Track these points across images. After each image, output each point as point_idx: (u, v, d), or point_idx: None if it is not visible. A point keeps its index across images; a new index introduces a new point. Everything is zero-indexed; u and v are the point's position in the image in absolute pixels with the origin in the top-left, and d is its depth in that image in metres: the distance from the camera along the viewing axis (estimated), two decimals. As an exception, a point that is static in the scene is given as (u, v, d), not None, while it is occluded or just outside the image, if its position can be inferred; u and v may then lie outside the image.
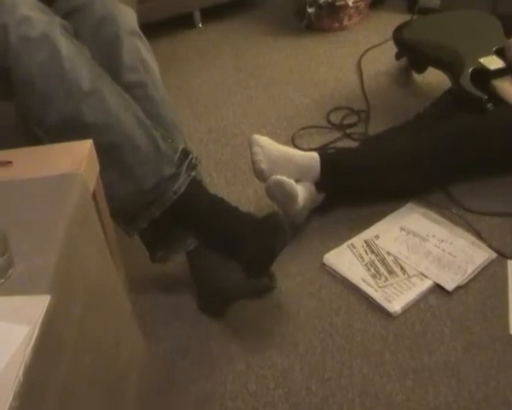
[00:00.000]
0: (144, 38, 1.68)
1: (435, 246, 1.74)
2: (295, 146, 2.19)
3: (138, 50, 1.63)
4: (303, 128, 2.31)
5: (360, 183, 1.88)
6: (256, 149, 1.76)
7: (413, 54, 2.43)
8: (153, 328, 1.60)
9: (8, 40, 1.42)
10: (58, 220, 1.03)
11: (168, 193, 1.52)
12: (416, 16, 2.71)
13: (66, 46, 1.44)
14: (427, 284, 1.65)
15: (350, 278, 1.69)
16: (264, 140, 1.78)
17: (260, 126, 2.35)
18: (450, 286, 1.63)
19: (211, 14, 3.19)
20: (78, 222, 1.06)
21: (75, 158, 1.21)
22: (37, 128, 1.46)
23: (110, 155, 1.45)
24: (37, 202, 1.08)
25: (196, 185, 1.58)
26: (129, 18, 1.65)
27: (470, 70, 2.03)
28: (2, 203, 1.00)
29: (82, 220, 1.09)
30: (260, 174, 1.77)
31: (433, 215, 1.84)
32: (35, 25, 1.43)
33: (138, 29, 1.67)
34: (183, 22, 3.14)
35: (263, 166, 1.75)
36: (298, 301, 1.66)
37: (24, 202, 1.09)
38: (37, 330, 0.84)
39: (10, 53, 1.42)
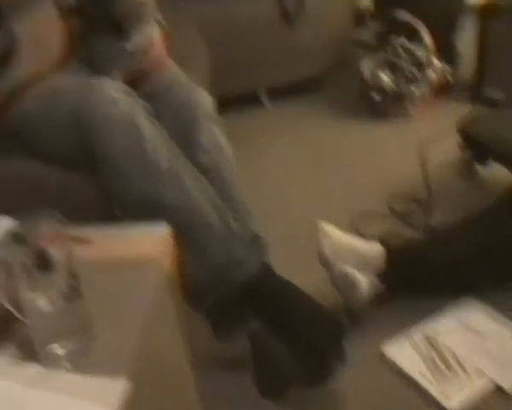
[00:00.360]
0: (219, 121, 1.75)
1: (495, 344, 1.74)
2: (355, 231, 2.21)
3: (214, 134, 1.70)
4: (364, 213, 2.33)
5: (425, 277, 1.89)
6: (323, 238, 1.80)
7: (477, 147, 2.45)
8: (212, 407, 1.62)
9: (93, 119, 1.50)
10: (137, 302, 1.07)
11: (238, 275, 1.56)
12: (480, 107, 2.75)
13: (148, 128, 1.51)
14: (486, 382, 1.64)
15: (408, 371, 1.69)
16: (330, 229, 1.83)
17: (322, 209, 2.38)
18: (509, 386, 1.62)
19: (278, 94, 3.26)
20: (156, 304, 1.10)
21: (152, 240, 1.25)
22: (115, 204, 1.53)
23: (184, 235, 1.50)
24: (115, 286, 1.13)
25: (265, 268, 1.62)
26: (207, 103, 1.73)
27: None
28: (82, 282, 1.05)
29: (159, 302, 1.13)
30: (325, 262, 1.81)
31: (494, 313, 1.84)
32: (120, 106, 1.51)
33: (215, 113, 1.74)
34: (250, 100, 3.22)
35: (328, 253, 1.79)
36: (355, 389, 1.66)
37: (104, 283, 1.13)
38: (116, 413, 0.88)
39: (95, 132, 1.50)
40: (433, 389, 1.63)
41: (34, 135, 1.63)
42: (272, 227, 2.29)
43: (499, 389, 1.62)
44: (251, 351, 1.69)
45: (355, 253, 1.81)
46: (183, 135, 1.65)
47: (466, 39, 3.16)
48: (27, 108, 1.63)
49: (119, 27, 1.80)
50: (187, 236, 1.52)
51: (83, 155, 1.55)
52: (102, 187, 1.56)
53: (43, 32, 1.64)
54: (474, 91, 3.04)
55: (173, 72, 1.79)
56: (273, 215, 2.39)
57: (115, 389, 0.91)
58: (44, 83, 1.64)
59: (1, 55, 1.61)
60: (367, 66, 3.11)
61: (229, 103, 3.07)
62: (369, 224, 2.28)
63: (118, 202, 1.53)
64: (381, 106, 3.05)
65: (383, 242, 1.91)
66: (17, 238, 0.94)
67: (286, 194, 2.53)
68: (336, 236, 1.82)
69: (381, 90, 3.02)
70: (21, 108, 1.63)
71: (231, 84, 3.04)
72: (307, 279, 2.00)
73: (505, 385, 1.62)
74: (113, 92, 1.53)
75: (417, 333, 1.79)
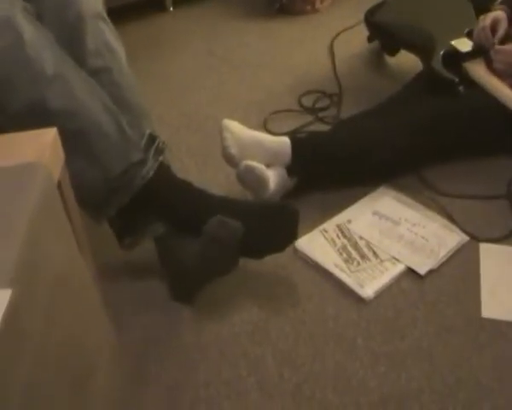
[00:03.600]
0: (109, 21, 1.64)
1: (407, 230, 1.74)
2: (267, 130, 2.17)
3: (103, 34, 1.59)
4: (275, 112, 2.29)
5: (332, 167, 1.86)
6: (226, 135, 1.75)
7: (385, 36, 2.42)
8: (123, 317, 1.57)
9: None
10: (20, 211, 1.00)
11: (136, 179, 1.50)
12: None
13: (28, 30, 1.40)
14: (400, 268, 1.65)
15: (322, 264, 1.68)
16: (234, 125, 1.77)
17: (232, 110, 2.33)
18: (422, 270, 1.63)
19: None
20: (42, 212, 1.04)
21: (39, 146, 1.17)
22: (0, 116, 1.43)
23: (76, 142, 1.42)
24: (-1, 192, 1.06)
25: (164, 170, 1.56)
26: (92, 0, 1.61)
27: (442, 53, 2.02)
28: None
29: (46, 210, 1.06)
30: (230, 160, 1.76)
31: (406, 199, 1.84)
32: None
33: (103, 12, 1.63)
34: (154, 6, 3.10)
35: (233, 151, 1.74)
36: (270, 288, 1.65)
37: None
38: (-2, 325, 0.82)
39: None
40: (348, 279, 1.62)
41: None
42: (179, 132, 2.25)
43: (413, 273, 1.64)
44: (159, 255, 1.65)
45: (261, 147, 1.76)
46: (69, 36, 1.53)
47: None
48: None
49: None
50: (79, 144, 1.43)
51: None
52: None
53: None
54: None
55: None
56: (180, 121, 2.33)
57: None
58: None
59: None
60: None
61: (132, 11, 2.97)
62: (281, 123, 2.24)
63: (2, 114, 1.42)
64: (288, 2, 2.96)
65: (291, 136, 1.87)
66: None
67: (193, 99, 2.45)
68: (241, 132, 1.76)
69: (287, -14, 2.95)
70: None
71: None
72: (217, 182, 1.98)
73: (418, 269, 1.63)
74: (-14, -6, 1.41)
75: (330, 225, 1.78)
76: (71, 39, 1.53)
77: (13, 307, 0.85)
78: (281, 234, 1.57)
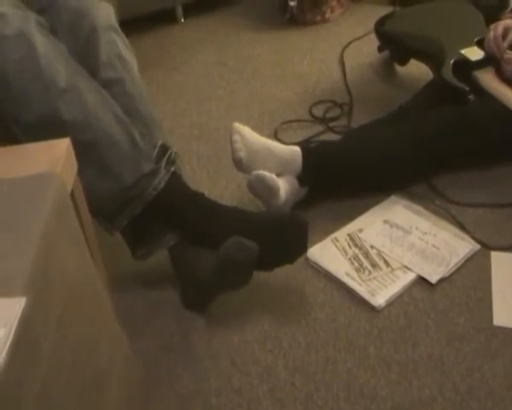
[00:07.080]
0: (121, 32, 1.66)
1: (418, 238, 1.74)
2: (278, 140, 2.17)
3: (115, 46, 1.61)
4: (286, 122, 2.30)
5: (342, 176, 1.87)
6: (236, 137, 1.75)
7: (395, 46, 2.43)
8: (136, 325, 1.59)
9: None
10: (34, 220, 1.02)
11: (148, 189, 1.51)
12: (397, 8, 2.73)
13: (41, 43, 1.42)
14: (411, 276, 1.65)
15: (333, 273, 1.68)
16: (244, 129, 1.77)
17: (243, 120, 2.30)
18: (433, 278, 1.63)
19: (193, 9, 3.17)
20: (56, 222, 1.05)
21: (52, 157, 1.19)
22: (14, 127, 1.44)
23: (88, 153, 1.43)
24: (12, 203, 1.07)
25: (176, 181, 1.57)
26: (105, 13, 1.63)
27: (452, 61, 2.02)
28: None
29: (59, 220, 1.07)
30: (239, 163, 1.76)
31: (417, 207, 1.84)
32: (10, 21, 1.41)
33: (115, 24, 1.65)
34: (165, 17, 3.12)
35: (242, 154, 1.74)
36: (281, 297, 1.65)
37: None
38: (13, 333, 0.83)
39: None
40: (360, 288, 1.63)
41: None
42: (191, 142, 2.26)
43: (424, 282, 1.64)
44: (173, 264, 1.66)
45: (272, 156, 1.77)
46: (82, 48, 1.55)
47: None
48: None
49: None
50: (92, 155, 1.45)
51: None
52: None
53: None
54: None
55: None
56: (191, 131, 2.34)
57: (12, 309, 0.87)
58: None
59: None
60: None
61: (144, 23, 3.00)
62: (292, 133, 2.25)
63: (17, 126, 1.44)
64: (298, 12, 2.97)
65: (302, 145, 1.87)
66: None
67: (204, 109, 2.46)
68: (250, 136, 1.76)
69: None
70: None
71: (145, 2, 2.97)
72: (228, 191, 1.99)
73: (429, 277, 1.63)
74: (0, 7, 1.42)
75: (341, 234, 1.79)
76: (84, 51, 1.55)
77: (27, 316, 0.86)
78: (290, 247, 1.57)
